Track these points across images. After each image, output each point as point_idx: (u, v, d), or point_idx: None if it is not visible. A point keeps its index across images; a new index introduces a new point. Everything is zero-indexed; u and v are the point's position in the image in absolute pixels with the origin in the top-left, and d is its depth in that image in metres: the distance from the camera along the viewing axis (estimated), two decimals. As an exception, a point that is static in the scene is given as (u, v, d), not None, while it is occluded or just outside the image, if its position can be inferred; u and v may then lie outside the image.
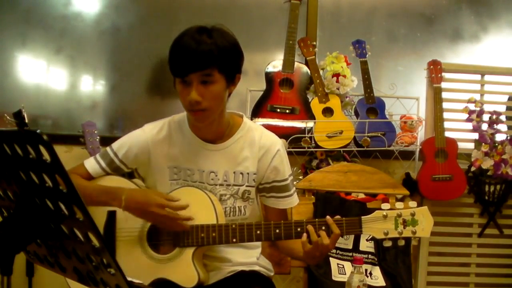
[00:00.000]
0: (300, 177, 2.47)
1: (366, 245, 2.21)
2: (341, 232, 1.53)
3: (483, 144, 2.67)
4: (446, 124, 2.70)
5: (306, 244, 1.52)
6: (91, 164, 1.67)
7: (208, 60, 1.47)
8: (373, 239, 2.19)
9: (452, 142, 2.68)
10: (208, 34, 1.49)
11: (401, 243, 1.56)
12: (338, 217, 1.55)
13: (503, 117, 2.76)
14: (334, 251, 2.20)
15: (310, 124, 2.58)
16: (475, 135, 2.74)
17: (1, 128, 0.97)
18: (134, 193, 1.57)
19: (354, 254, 2.17)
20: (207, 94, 1.50)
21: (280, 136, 1.78)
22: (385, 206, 1.55)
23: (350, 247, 2.21)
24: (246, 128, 1.68)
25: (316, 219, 1.56)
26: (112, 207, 1.58)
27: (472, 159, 2.70)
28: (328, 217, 1.54)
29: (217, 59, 1.48)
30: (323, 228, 1.53)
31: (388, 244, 1.55)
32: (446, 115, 2.71)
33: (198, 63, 1.47)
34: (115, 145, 1.68)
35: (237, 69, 1.58)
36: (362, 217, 1.55)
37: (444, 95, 2.72)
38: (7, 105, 2.64)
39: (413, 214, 1.53)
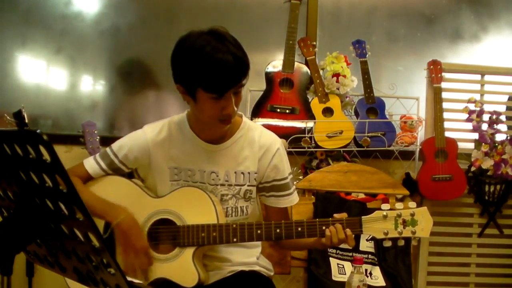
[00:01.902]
0: (300, 177, 2.47)
1: (366, 245, 2.22)
2: None
3: (483, 144, 2.67)
4: (446, 124, 2.70)
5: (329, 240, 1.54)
6: (91, 165, 1.67)
7: (244, 72, 1.47)
8: (373, 239, 2.19)
9: (452, 142, 2.68)
10: (227, 41, 1.46)
11: (401, 243, 1.56)
12: (343, 214, 1.56)
13: (503, 117, 2.75)
14: (334, 251, 2.20)
15: (310, 124, 2.58)
16: (475, 135, 2.74)
17: (1, 128, 0.97)
18: (132, 221, 1.57)
19: (354, 254, 2.17)
20: (237, 102, 1.53)
21: (280, 136, 1.78)
22: (385, 206, 1.56)
23: (350, 247, 2.20)
24: (246, 128, 1.68)
25: (330, 219, 1.57)
26: (105, 220, 1.59)
27: (472, 159, 2.70)
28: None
29: (247, 67, 1.48)
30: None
31: (388, 244, 1.56)
32: (446, 115, 2.71)
33: (238, 78, 1.46)
34: (115, 146, 1.68)
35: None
36: (363, 217, 1.55)
37: (444, 95, 2.72)
38: (7, 105, 2.64)
39: (412, 215, 1.54)
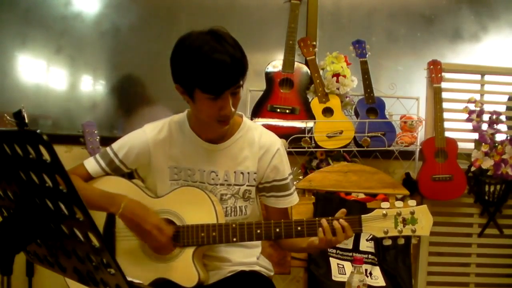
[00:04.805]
0: (300, 177, 2.47)
1: (366, 245, 2.22)
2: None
3: (483, 144, 2.67)
4: (446, 124, 2.70)
5: (322, 239, 1.52)
6: (91, 164, 1.67)
7: (242, 73, 1.47)
8: (373, 238, 2.20)
9: (452, 142, 2.68)
10: (226, 41, 1.45)
11: (401, 241, 1.56)
12: (343, 210, 1.56)
13: (503, 117, 2.75)
14: (334, 251, 2.20)
15: (310, 124, 2.58)
16: (475, 135, 2.74)
17: (1, 128, 0.97)
18: (134, 204, 1.57)
19: (354, 254, 2.17)
20: (235, 103, 1.51)
21: (280, 136, 1.78)
22: (385, 204, 1.55)
23: (350, 247, 2.21)
24: (246, 128, 1.68)
25: (330, 217, 1.55)
26: (108, 212, 1.58)
27: (472, 159, 2.70)
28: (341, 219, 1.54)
29: (245, 68, 1.48)
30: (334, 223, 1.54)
31: (388, 242, 1.55)
32: (446, 115, 2.71)
33: (235, 78, 1.46)
34: (115, 145, 1.68)
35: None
36: (362, 215, 1.55)
37: (444, 95, 2.72)
38: (7, 105, 2.64)
39: (412, 213, 1.53)
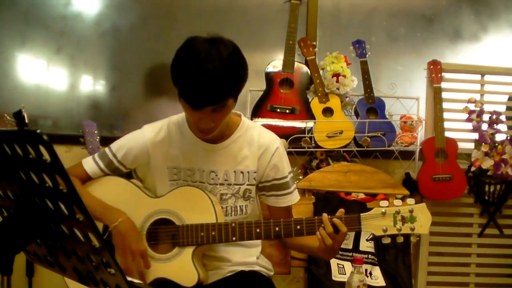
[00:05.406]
0: (300, 177, 2.47)
1: (366, 245, 2.22)
2: None
3: (483, 144, 2.67)
4: (446, 124, 2.70)
5: (327, 237, 1.52)
6: (90, 165, 1.67)
7: (225, 94, 1.44)
8: (373, 238, 2.20)
9: (452, 142, 2.68)
10: (218, 57, 1.41)
11: (400, 240, 1.56)
12: (342, 210, 1.56)
13: (503, 117, 2.75)
14: (334, 251, 2.19)
15: (310, 124, 2.58)
16: (475, 135, 2.74)
17: (1, 128, 0.97)
18: (130, 223, 1.58)
19: (354, 254, 2.17)
20: (217, 119, 1.50)
21: (280, 136, 1.78)
22: (384, 203, 1.55)
23: (350, 247, 2.21)
24: (245, 127, 1.68)
25: (328, 216, 1.55)
26: (102, 223, 1.59)
27: (472, 159, 2.70)
28: (335, 219, 1.54)
29: (232, 90, 1.46)
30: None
31: (387, 241, 1.56)
32: (446, 115, 2.70)
33: (217, 98, 1.44)
34: (114, 146, 1.68)
35: (244, 86, 1.55)
36: (361, 214, 1.55)
37: (444, 95, 2.72)
38: (7, 105, 2.64)
39: (411, 211, 1.54)
